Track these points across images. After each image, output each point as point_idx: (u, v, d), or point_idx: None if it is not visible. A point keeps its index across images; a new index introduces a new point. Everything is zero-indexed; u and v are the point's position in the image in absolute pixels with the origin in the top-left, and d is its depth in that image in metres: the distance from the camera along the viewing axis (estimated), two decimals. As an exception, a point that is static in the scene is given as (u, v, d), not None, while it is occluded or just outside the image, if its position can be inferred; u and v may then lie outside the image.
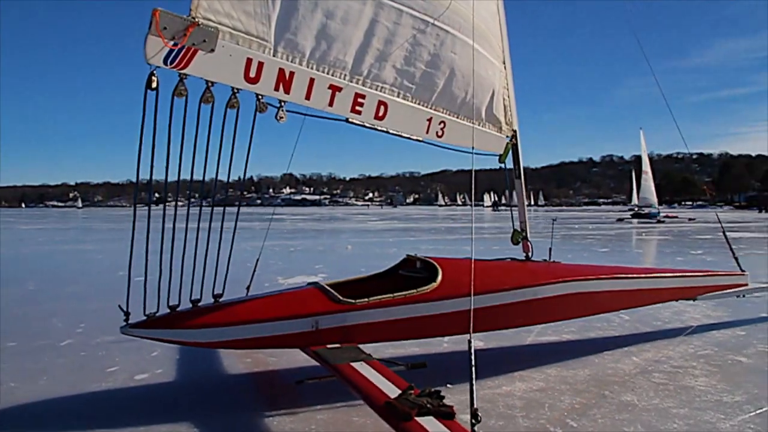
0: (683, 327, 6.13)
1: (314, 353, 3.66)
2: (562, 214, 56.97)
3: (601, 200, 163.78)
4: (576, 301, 4.68)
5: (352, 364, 3.41)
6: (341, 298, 3.76)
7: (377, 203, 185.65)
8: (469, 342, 2.80)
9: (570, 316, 4.99)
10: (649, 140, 43.00)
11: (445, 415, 2.72)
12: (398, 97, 3.71)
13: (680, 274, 5.70)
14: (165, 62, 2.61)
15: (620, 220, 41.24)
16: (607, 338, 5.72)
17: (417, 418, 2.67)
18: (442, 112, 4.08)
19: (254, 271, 4.29)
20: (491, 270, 4.57)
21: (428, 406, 2.77)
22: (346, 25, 3.26)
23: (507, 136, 4.80)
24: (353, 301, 3.77)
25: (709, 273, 5.98)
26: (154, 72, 2.61)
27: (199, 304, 3.53)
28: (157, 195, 3.08)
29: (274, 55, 2.99)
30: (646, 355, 5.04)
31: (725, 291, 5.78)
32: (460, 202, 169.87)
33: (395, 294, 3.91)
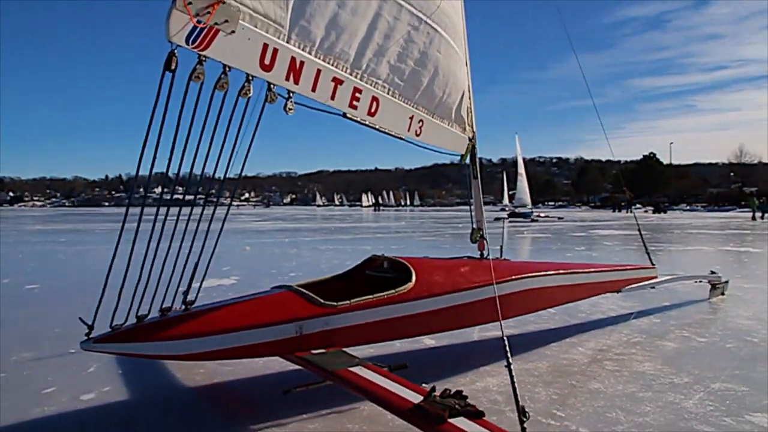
0: (605, 317, 6.63)
1: (303, 360, 3.47)
2: (440, 214, 59.23)
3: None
4: (531, 296, 4.90)
5: (351, 369, 3.29)
6: (322, 301, 3.62)
7: (252, 203, 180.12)
8: (503, 339, 2.81)
9: (525, 311, 5.20)
10: (513, 145, 46.67)
11: (475, 414, 2.71)
12: (388, 93, 3.64)
13: (606, 268, 6.16)
14: (187, 41, 2.33)
15: (498, 219, 43.76)
16: (545, 331, 6.02)
17: (450, 420, 2.64)
18: (422, 111, 4.07)
19: (193, 273, 3.23)
20: (457, 268, 4.64)
21: (457, 407, 2.74)
22: (355, 16, 3.13)
23: (468, 137, 4.89)
24: (335, 303, 3.65)
25: (628, 267, 6.53)
26: (175, 51, 2.32)
27: (170, 313, 3.23)
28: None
29: (287, 42, 2.79)
30: (589, 345, 5.37)
31: (642, 283, 6.35)
32: (337, 203, 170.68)
33: (375, 295, 3.84)
